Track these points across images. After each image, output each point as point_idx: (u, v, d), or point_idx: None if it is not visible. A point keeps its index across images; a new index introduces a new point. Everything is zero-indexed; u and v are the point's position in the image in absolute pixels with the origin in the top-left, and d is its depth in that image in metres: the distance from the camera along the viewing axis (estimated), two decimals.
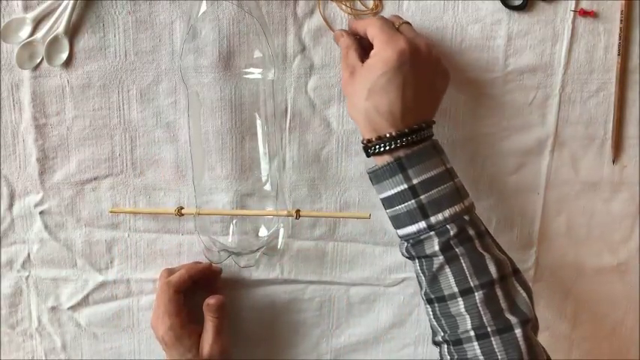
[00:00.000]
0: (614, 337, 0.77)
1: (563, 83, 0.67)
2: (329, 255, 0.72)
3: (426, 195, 0.56)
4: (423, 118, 0.58)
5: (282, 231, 0.68)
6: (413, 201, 0.56)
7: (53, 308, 0.73)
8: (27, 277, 0.72)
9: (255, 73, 0.64)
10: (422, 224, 0.56)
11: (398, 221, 0.58)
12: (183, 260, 0.72)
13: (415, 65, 0.56)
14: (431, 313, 0.59)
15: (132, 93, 0.66)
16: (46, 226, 0.70)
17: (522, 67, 0.66)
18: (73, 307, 0.73)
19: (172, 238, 0.71)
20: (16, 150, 0.67)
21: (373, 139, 0.57)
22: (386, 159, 0.57)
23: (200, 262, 0.70)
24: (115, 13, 0.63)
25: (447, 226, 0.56)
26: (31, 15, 0.63)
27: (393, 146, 0.56)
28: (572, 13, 0.65)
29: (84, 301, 0.73)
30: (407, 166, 0.56)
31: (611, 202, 0.71)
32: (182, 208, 0.67)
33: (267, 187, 0.67)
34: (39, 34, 0.63)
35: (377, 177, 0.58)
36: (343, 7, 0.64)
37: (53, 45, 0.63)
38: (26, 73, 0.65)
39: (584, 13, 0.65)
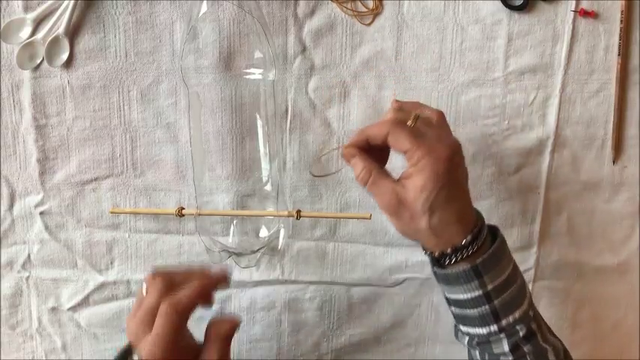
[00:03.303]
0: (614, 337, 0.77)
1: (564, 83, 0.67)
2: (329, 255, 0.72)
3: (499, 299, 0.55)
4: (475, 209, 0.55)
5: (282, 231, 0.68)
6: (487, 306, 0.54)
7: (53, 309, 0.73)
8: (27, 278, 0.72)
9: (255, 73, 0.64)
10: (493, 327, 0.55)
11: (466, 320, 0.57)
12: (183, 261, 0.71)
13: (457, 164, 0.54)
14: None
15: (132, 93, 0.66)
16: (46, 227, 0.70)
17: (523, 67, 0.66)
18: (73, 308, 0.73)
19: (173, 239, 0.71)
20: (16, 150, 0.67)
21: (448, 251, 0.54)
22: (461, 266, 0.54)
23: (203, 269, 0.58)
24: (115, 13, 0.63)
25: (517, 327, 0.55)
26: (31, 15, 0.62)
27: (469, 252, 0.53)
28: (572, 13, 0.65)
29: (84, 302, 0.73)
30: (483, 272, 0.54)
31: (611, 202, 0.71)
32: (182, 208, 0.67)
33: (268, 187, 0.67)
34: (39, 35, 0.63)
35: (447, 279, 0.56)
36: (344, 7, 0.64)
37: (53, 45, 0.63)
38: (26, 74, 0.65)
39: (585, 14, 0.65)
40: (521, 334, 0.55)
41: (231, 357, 0.70)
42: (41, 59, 0.64)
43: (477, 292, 0.54)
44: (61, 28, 0.63)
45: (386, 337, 0.76)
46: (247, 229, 0.69)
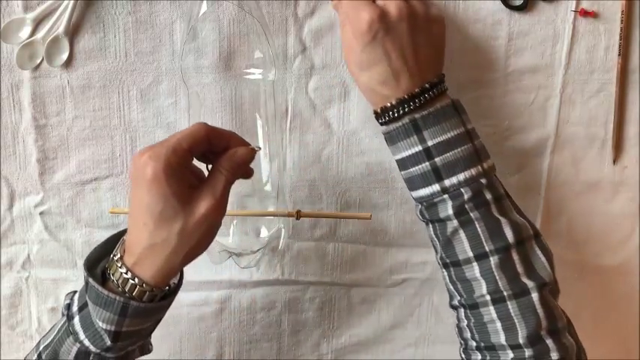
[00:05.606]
0: (614, 337, 0.77)
1: (564, 83, 0.67)
2: (330, 256, 0.72)
3: (441, 157, 0.55)
4: (430, 76, 0.57)
5: (282, 231, 0.68)
6: (427, 163, 0.55)
7: (53, 309, 0.73)
8: (27, 278, 0.72)
9: (255, 73, 0.64)
10: (435, 187, 0.55)
11: (412, 183, 0.57)
12: None
13: (391, 29, 0.55)
14: (447, 277, 0.59)
15: (132, 93, 0.66)
16: (46, 227, 0.70)
17: (523, 67, 0.66)
18: None
19: None
20: (16, 150, 0.67)
21: (378, 111, 0.57)
22: (401, 120, 0.56)
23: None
24: (115, 13, 0.63)
25: (462, 189, 0.55)
26: (31, 15, 0.62)
27: (402, 112, 0.55)
28: (572, 13, 0.65)
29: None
30: (422, 127, 0.55)
31: (611, 202, 0.71)
32: None
33: (268, 187, 0.67)
34: (39, 35, 0.63)
35: (391, 138, 0.57)
36: None
37: (53, 45, 0.63)
38: (26, 74, 0.65)
39: (585, 14, 0.65)
40: (465, 196, 0.55)
41: (231, 357, 0.70)
42: (41, 59, 0.64)
43: (417, 148, 0.55)
44: (60, 28, 0.63)
45: (386, 337, 0.76)
46: (247, 229, 0.69)
